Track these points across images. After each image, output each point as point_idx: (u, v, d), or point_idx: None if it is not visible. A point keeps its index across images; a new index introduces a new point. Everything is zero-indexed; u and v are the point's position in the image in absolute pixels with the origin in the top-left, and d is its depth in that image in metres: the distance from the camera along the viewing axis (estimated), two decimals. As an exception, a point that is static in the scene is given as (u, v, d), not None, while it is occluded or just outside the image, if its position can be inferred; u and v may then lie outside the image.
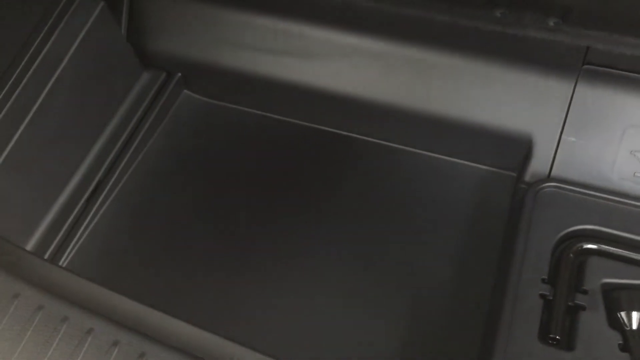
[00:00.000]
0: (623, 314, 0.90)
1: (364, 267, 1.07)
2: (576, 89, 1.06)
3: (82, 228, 1.14)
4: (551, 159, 1.08)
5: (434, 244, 1.09)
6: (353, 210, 1.14)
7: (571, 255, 0.96)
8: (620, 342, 0.87)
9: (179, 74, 1.29)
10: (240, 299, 1.04)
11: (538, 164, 1.08)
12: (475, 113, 1.11)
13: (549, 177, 1.06)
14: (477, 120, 1.11)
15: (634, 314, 0.90)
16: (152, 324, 0.73)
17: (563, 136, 1.07)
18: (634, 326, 0.89)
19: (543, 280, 0.93)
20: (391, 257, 1.08)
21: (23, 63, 1.06)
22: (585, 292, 0.92)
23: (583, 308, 0.90)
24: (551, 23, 1.00)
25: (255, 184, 1.19)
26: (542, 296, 0.91)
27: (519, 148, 1.10)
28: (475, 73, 1.10)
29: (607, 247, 0.96)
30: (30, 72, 1.06)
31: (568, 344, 0.87)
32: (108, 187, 1.18)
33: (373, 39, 1.15)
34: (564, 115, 1.07)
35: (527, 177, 1.07)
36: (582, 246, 0.96)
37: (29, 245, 1.10)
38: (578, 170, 1.06)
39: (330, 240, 1.10)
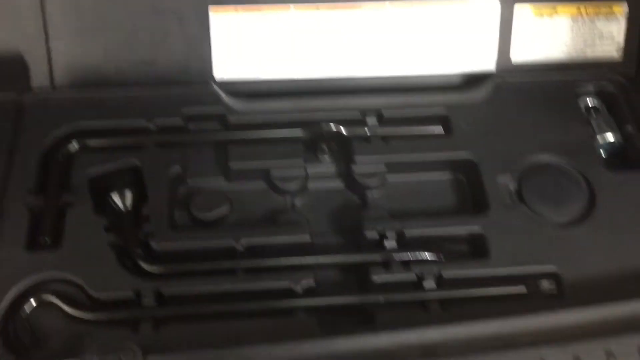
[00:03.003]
0: (114, 195, 0.91)
1: None
2: None
3: None
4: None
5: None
6: None
7: (60, 158, 0.94)
8: (105, 223, 0.88)
9: None
10: None
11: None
12: None
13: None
14: None
15: (126, 192, 0.92)
16: None
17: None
18: (128, 204, 0.91)
19: (30, 191, 0.90)
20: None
21: None
22: (71, 190, 0.91)
23: (70, 205, 0.90)
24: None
25: None
26: (28, 206, 0.89)
27: None
28: None
29: (93, 140, 0.96)
30: None
31: (57, 244, 0.87)
32: None
33: None
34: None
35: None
36: (70, 147, 0.95)
37: None
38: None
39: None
